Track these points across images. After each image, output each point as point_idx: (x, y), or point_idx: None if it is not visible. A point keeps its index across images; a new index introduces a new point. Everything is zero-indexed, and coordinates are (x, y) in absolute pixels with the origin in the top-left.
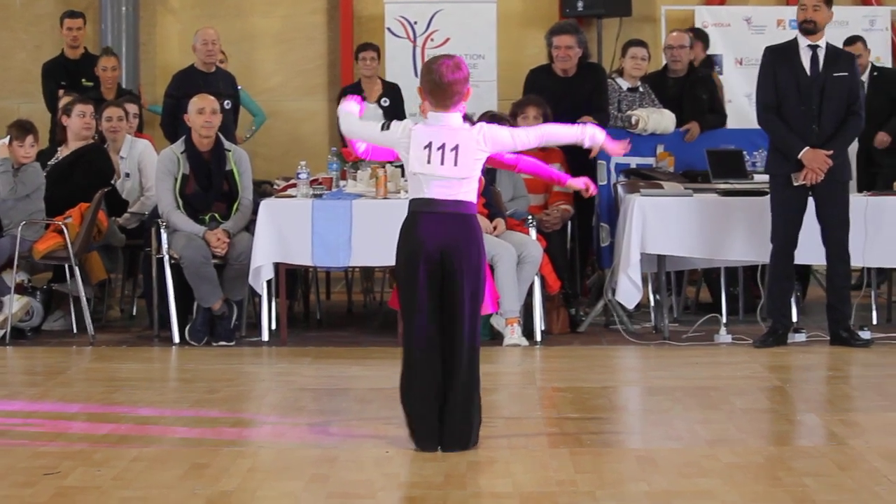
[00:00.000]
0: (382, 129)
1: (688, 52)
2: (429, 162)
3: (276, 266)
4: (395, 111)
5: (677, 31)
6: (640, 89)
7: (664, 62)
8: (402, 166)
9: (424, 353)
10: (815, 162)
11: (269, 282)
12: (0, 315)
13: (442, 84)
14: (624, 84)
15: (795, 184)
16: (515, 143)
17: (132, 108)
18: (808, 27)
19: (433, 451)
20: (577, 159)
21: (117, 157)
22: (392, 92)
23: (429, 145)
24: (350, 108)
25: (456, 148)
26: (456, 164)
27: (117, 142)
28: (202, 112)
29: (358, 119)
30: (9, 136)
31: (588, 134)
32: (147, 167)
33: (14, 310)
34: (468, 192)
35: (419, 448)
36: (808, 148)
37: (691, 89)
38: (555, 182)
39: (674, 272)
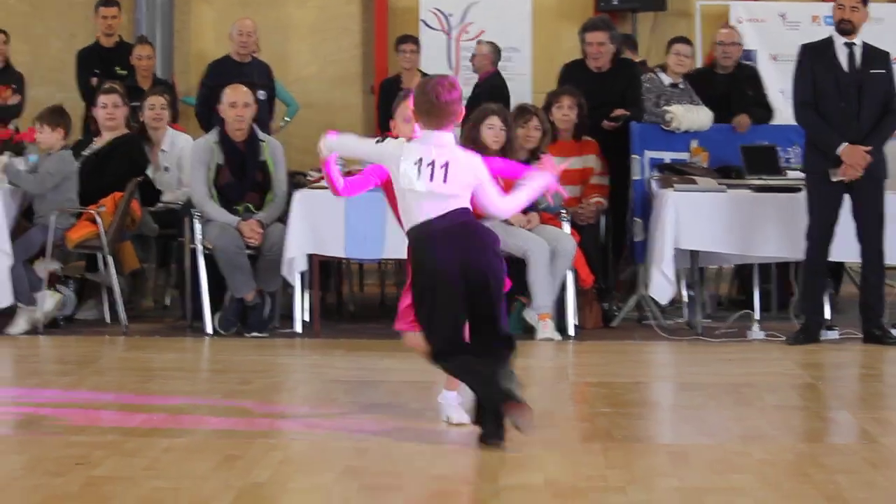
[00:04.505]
0: (378, 142)
1: (738, 50)
2: (419, 178)
3: (310, 257)
4: None
5: (728, 27)
6: (681, 86)
7: (700, 58)
8: None
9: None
10: (853, 158)
11: (302, 273)
12: (37, 311)
13: (439, 104)
14: (666, 79)
15: (833, 179)
16: (493, 198)
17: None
18: (846, 27)
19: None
20: (612, 152)
21: (158, 150)
22: None
23: (419, 161)
24: (337, 137)
25: (446, 165)
26: (445, 180)
27: (159, 131)
28: (234, 106)
29: (353, 136)
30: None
31: (540, 187)
32: (187, 163)
33: (47, 308)
34: (460, 206)
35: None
36: (846, 144)
37: (738, 85)
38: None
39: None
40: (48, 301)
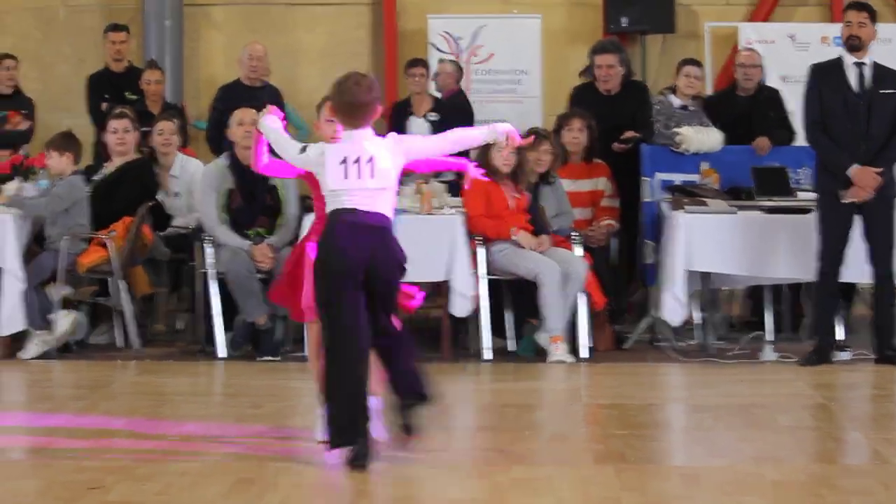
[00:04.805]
0: (301, 151)
1: (759, 72)
2: (346, 177)
3: None
4: (443, 126)
5: (749, 49)
6: (691, 108)
7: (710, 80)
8: (447, 182)
9: (350, 349)
10: (863, 179)
11: None
12: (51, 335)
13: (357, 105)
14: (676, 101)
15: (844, 201)
16: (430, 148)
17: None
18: (854, 43)
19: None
20: (623, 174)
21: (167, 174)
22: (441, 107)
23: (344, 160)
24: (273, 124)
25: (371, 160)
26: (373, 175)
27: (169, 156)
28: (242, 124)
29: (285, 136)
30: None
31: (499, 130)
32: (198, 188)
33: (62, 329)
34: (386, 203)
35: (343, 441)
36: (856, 165)
37: (759, 107)
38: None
39: (716, 289)
40: (63, 321)
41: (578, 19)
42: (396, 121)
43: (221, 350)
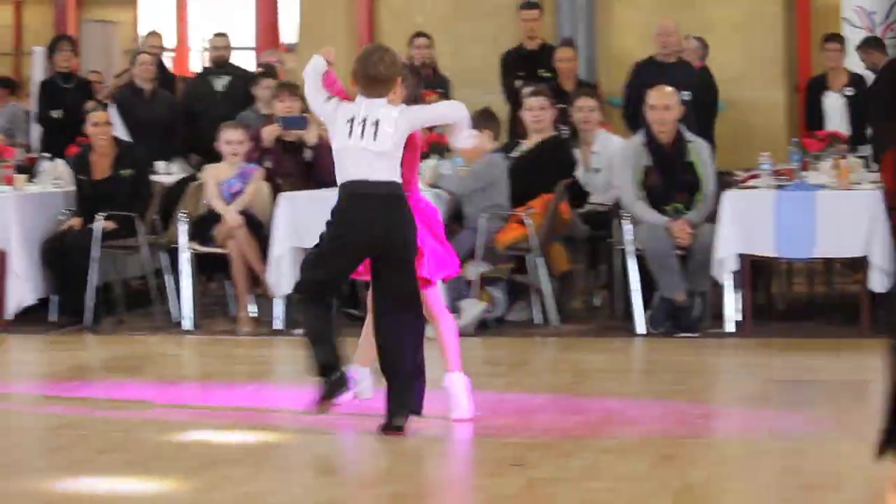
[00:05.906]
0: (326, 100)
1: None
2: (350, 136)
3: (741, 257)
4: (856, 101)
5: None
6: None
7: None
8: (863, 157)
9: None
10: None
11: (732, 272)
12: (462, 318)
13: (376, 78)
14: None
15: None
16: (432, 114)
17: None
18: None
19: None
20: None
21: (589, 150)
22: (858, 83)
23: (351, 120)
24: (319, 67)
25: (376, 122)
26: (374, 138)
27: (589, 133)
28: (654, 109)
29: (318, 83)
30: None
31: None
32: (616, 165)
33: (472, 317)
34: (390, 170)
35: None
36: None
37: None
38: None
39: None
40: (471, 309)
41: None
42: (812, 97)
43: (640, 326)
